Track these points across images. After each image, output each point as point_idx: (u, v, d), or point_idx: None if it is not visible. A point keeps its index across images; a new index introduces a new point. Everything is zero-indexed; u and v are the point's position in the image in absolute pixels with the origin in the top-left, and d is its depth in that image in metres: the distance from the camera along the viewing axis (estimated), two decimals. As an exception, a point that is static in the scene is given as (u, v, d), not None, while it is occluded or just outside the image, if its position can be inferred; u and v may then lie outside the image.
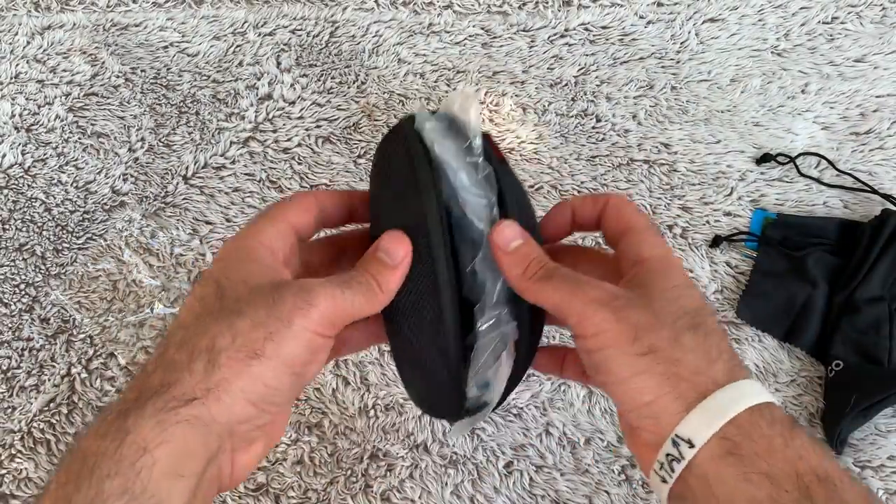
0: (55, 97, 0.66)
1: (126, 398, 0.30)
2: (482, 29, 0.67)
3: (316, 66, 0.66)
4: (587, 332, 0.29)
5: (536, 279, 0.31)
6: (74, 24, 0.68)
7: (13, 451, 0.55)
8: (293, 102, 0.64)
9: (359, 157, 0.63)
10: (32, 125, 0.65)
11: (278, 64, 0.66)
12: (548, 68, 0.65)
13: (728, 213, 0.59)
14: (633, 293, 0.30)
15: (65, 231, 0.62)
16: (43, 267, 0.61)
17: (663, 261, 0.32)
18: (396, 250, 0.33)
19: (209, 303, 0.31)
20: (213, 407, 0.29)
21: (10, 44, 0.68)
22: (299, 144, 0.63)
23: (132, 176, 0.63)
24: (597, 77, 0.64)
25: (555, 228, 0.37)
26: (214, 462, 0.30)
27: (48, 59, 0.68)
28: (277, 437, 0.35)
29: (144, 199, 0.62)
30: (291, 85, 0.65)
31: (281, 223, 0.35)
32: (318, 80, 0.65)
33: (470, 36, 0.66)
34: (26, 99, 0.66)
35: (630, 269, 0.32)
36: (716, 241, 0.58)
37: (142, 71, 0.66)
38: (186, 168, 0.63)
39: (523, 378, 0.36)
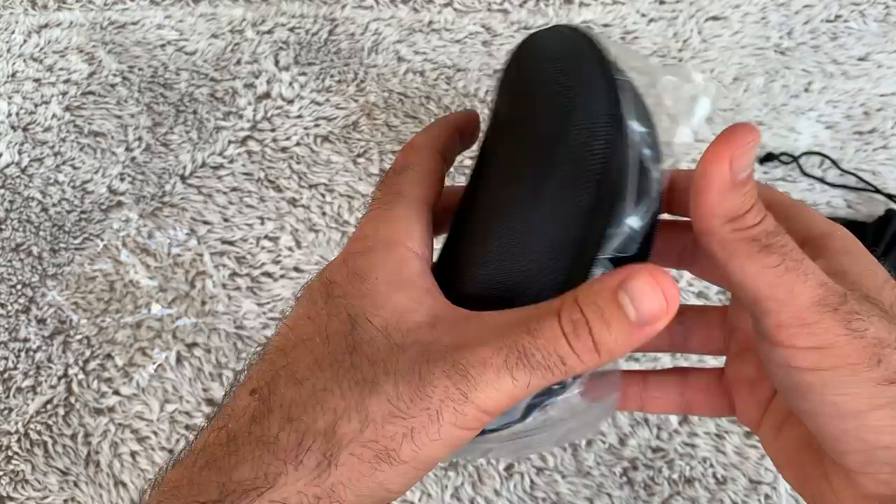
0: (52, 96, 0.66)
1: (201, 482, 0.21)
2: (483, 27, 0.66)
3: (315, 64, 0.65)
4: (799, 342, 0.21)
5: (748, 242, 0.21)
6: (71, 23, 0.68)
7: (10, 453, 0.55)
8: (291, 101, 0.64)
9: (358, 156, 0.62)
10: (29, 124, 0.65)
11: (276, 62, 0.65)
12: (549, 67, 0.64)
13: (730, 213, 0.59)
14: (863, 296, 0.21)
15: (62, 231, 0.61)
16: (40, 267, 0.60)
17: (847, 238, 0.23)
18: (651, 300, 0.20)
19: (337, 349, 0.22)
20: None
21: (7, 42, 0.68)
22: (298, 143, 0.63)
23: (129, 175, 0.63)
24: (598, 75, 0.64)
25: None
26: None
27: (45, 57, 0.67)
28: None
29: (142, 199, 0.62)
30: (290, 83, 0.64)
31: (424, 209, 0.25)
32: (317, 79, 0.65)
33: (470, 34, 0.66)
34: (23, 98, 0.66)
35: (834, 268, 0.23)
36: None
37: (139, 69, 0.66)
38: (184, 167, 0.62)
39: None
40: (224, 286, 0.58)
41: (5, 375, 0.57)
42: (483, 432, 0.24)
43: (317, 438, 0.21)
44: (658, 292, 0.20)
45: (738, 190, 0.21)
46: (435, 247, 0.26)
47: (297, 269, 0.59)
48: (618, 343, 0.20)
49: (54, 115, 0.65)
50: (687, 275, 0.54)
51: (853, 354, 0.20)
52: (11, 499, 0.54)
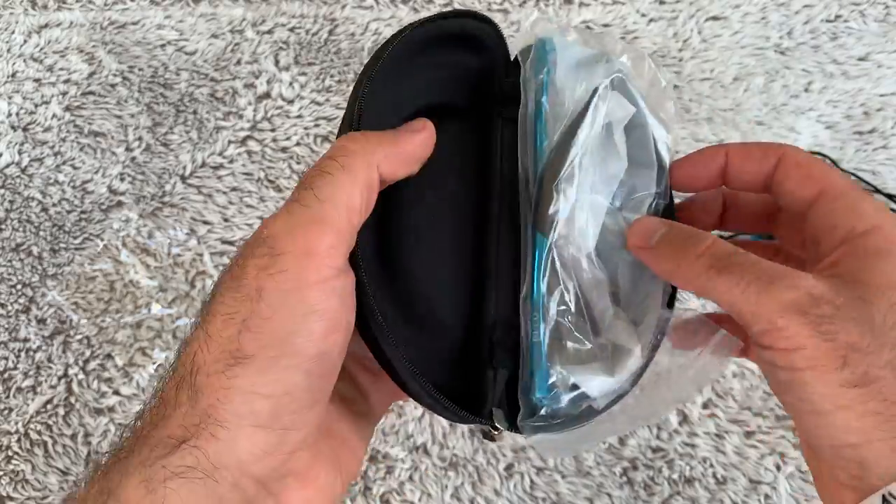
0: (52, 96, 0.66)
1: (118, 449, 0.22)
2: (482, 27, 0.66)
3: (315, 64, 0.65)
4: (776, 344, 0.22)
5: (704, 268, 0.24)
6: (71, 23, 0.68)
7: (10, 453, 0.55)
8: (292, 101, 0.64)
9: (358, 156, 0.62)
10: (29, 124, 0.65)
11: (277, 62, 0.65)
12: (549, 67, 0.64)
13: (730, 213, 0.59)
14: (842, 293, 0.22)
15: (62, 231, 0.61)
16: (40, 267, 0.60)
17: (889, 238, 0.23)
18: (416, 124, 0.26)
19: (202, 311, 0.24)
20: (209, 448, 0.21)
21: (7, 42, 0.68)
22: (298, 143, 0.63)
23: (129, 175, 0.63)
24: (598, 75, 0.64)
25: (692, 177, 0.29)
26: None
27: (45, 57, 0.67)
28: (351, 460, 0.26)
29: (142, 199, 0.62)
30: (290, 83, 0.65)
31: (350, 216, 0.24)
32: (317, 79, 0.65)
33: (470, 34, 0.66)
34: (23, 98, 0.66)
35: (833, 250, 0.24)
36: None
37: (139, 69, 0.66)
38: (184, 167, 0.62)
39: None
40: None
41: (5, 375, 0.57)
42: (591, 413, 0.26)
43: (185, 378, 0.22)
44: (420, 121, 0.27)
45: (660, 250, 0.25)
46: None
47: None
48: (389, 135, 0.25)
49: (54, 115, 0.65)
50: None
51: (821, 357, 0.21)
52: (11, 499, 0.54)
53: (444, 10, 0.68)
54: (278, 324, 0.21)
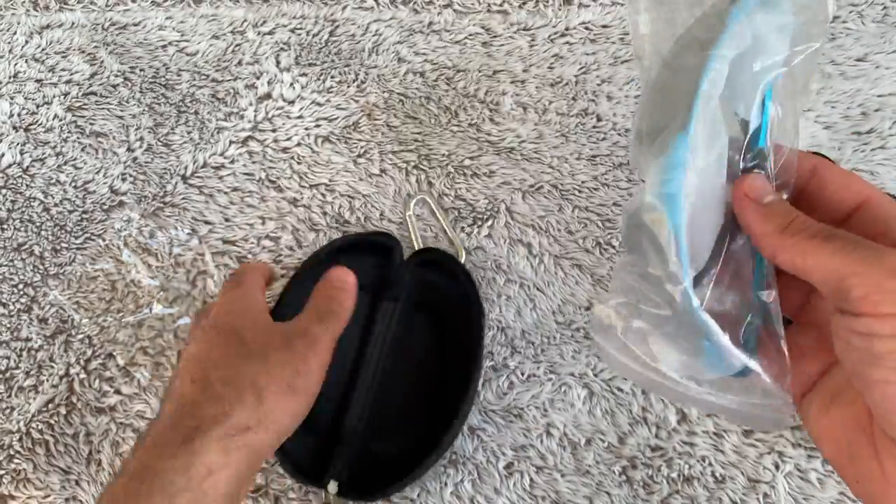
0: (54, 96, 0.66)
1: (184, 424, 0.36)
2: (482, 28, 0.66)
3: (315, 65, 0.65)
4: (880, 308, 0.22)
5: (808, 236, 0.24)
6: (73, 24, 0.68)
7: (11, 452, 0.55)
8: (292, 102, 0.64)
9: (359, 156, 0.62)
10: (31, 125, 0.65)
11: (277, 63, 0.66)
12: (548, 67, 0.65)
13: (729, 213, 0.59)
14: None
15: (63, 231, 0.61)
16: (41, 267, 0.60)
17: (883, 201, 0.26)
18: (345, 277, 0.46)
19: (232, 348, 0.40)
20: (262, 434, 0.37)
21: (9, 43, 0.68)
22: (299, 144, 0.63)
23: (131, 175, 0.63)
24: (597, 76, 0.64)
25: None
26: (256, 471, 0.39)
27: (47, 58, 0.67)
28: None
29: (143, 199, 0.62)
30: (291, 84, 0.65)
31: (259, 281, 0.48)
32: (318, 80, 0.65)
33: (470, 35, 0.66)
34: (25, 98, 0.66)
35: None
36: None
37: (140, 70, 0.66)
38: (185, 168, 0.63)
39: None
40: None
41: (7, 375, 0.57)
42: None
43: (247, 388, 0.38)
44: (347, 273, 0.49)
45: (773, 209, 0.26)
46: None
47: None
48: (347, 298, 0.49)
49: (56, 116, 0.65)
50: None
51: None
52: (13, 498, 0.54)
53: (445, 11, 0.68)
54: (315, 377, 0.43)
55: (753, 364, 0.26)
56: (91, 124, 0.65)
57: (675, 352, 0.27)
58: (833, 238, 0.24)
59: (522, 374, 0.55)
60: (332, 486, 0.49)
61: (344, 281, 0.46)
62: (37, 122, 0.65)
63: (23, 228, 0.62)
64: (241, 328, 0.41)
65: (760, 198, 0.26)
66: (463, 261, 0.57)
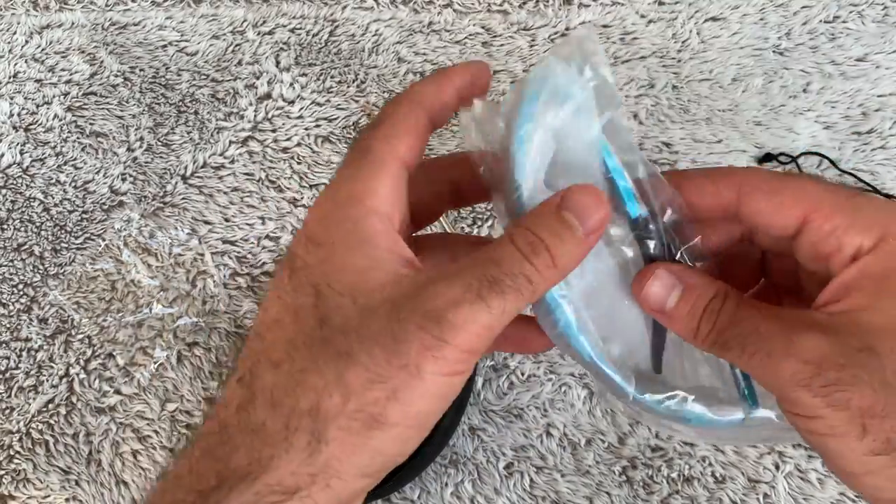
0: (54, 96, 0.66)
1: (200, 471, 0.22)
2: (482, 27, 0.66)
3: (315, 65, 0.65)
4: (795, 411, 0.21)
5: (710, 346, 0.23)
6: (73, 24, 0.68)
7: (11, 452, 0.55)
8: (292, 102, 0.64)
9: (358, 156, 0.62)
10: (31, 125, 0.65)
11: (277, 63, 0.66)
12: (548, 67, 0.64)
13: (729, 213, 0.59)
14: (847, 347, 0.21)
15: (63, 231, 0.61)
16: (41, 267, 0.60)
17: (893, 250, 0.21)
18: (590, 212, 0.22)
19: (306, 325, 0.22)
20: (319, 497, 0.21)
21: (9, 43, 0.68)
22: (299, 144, 0.63)
23: (131, 175, 0.63)
24: (597, 76, 0.64)
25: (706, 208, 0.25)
26: None
27: (47, 58, 0.67)
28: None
29: (143, 199, 0.62)
30: (291, 84, 0.65)
31: (393, 165, 0.24)
32: (318, 80, 0.65)
33: (470, 34, 0.66)
34: (25, 98, 0.66)
35: (842, 290, 0.22)
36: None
37: (140, 70, 0.66)
38: (185, 168, 0.63)
39: None
40: (225, 286, 0.59)
41: (7, 375, 0.57)
42: (702, 421, 0.25)
43: (302, 419, 0.21)
44: (595, 201, 0.22)
45: (677, 320, 0.24)
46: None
47: (297, 269, 0.59)
48: (572, 254, 0.22)
49: (56, 116, 0.65)
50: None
51: (840, 425, 0.20)
52: (13, 498, 0.54)
53: (445, 11, 0.68)
54: (427, 403, 0.22)
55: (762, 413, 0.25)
56: (91, 124, 0.65)
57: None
58: (728, 345, 0.22)
59: (522, 374, 0.55)
60: None
61: (585, 216, 0.22)
62: (37, 122, 0.65)
63: (23, 228, 0.62)
64: (327, 286, 0.22)
65: (662, 307, 0.24)
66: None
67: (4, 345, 0.58)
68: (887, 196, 0.58)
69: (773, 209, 0.23)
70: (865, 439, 0.20)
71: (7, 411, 0.56)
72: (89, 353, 0.57)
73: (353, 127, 0.63)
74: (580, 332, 0.24)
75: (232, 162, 0.63)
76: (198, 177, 0.62)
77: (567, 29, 0.66)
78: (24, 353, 0.58)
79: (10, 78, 0.67)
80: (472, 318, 0.21)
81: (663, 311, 0.24)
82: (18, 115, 0.65)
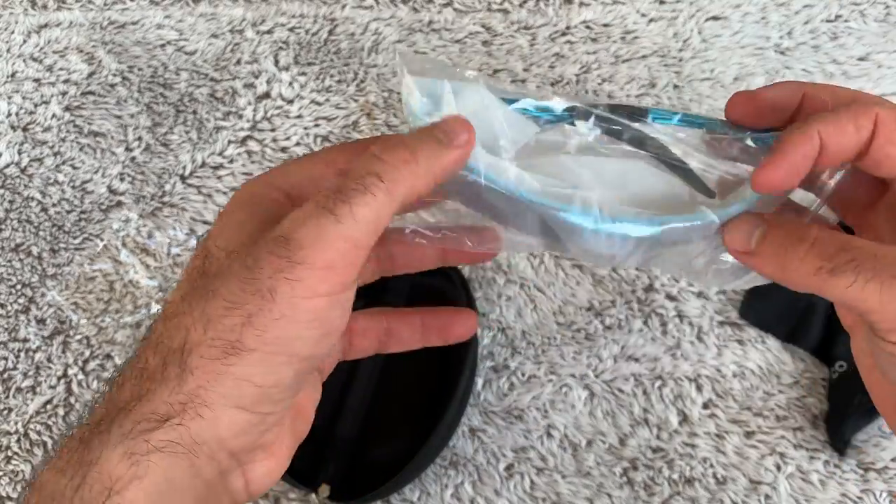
0: (52, 96, 0.65)
1: (92, 417, 0.23)
2: (482, 27, 0.66)
3: (314, 64, 0.65)
4: None
5: (814, 272, 0.23)
6: (71, 23, 0.68)
7: (9, 453, 0.55)
8: (291, 101, 0.64)
9: (358, 156, 0.62)
10: (29, 124, 0.65)
11: (276, 62, 0.65)
12: (549, 66, 0.64)
13: (731, 213, 0.59)
14: None
15: (61, 231, 0.61)
16: (39, 267, 0.60)
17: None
18: (457, 131, 0.23)
19: (193, 281, 0.24)
20: (192, 425, 0.22)
21: (7, 42, 0.68)
22: (298, 143, 0.63)
23: (129, 175, 0.63)
24: (598, 75, 0.64)
25: (754, 114, 0.26)
26: (214, 490, 0.23)
27: (45, 57, 0.67)
28: (304, 424, 0.27)
29: (141, 199, 0.62)
30: (290, 83, 0.64)
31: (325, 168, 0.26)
32: (317, 79, 0.65)
33: (470, 34, 0.66)
34: (22, 98, 0.66)
35: None
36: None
37: (139, 69, 0.66)
38: (184, 167, 0.62)
39: None
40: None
41: (5, 376, 0.57)
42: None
43: (174, 354, 0.23)
44: (462, 125, 0.23)
45: (763, 256, 0.23)
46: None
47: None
48: (436, 155, 0.23)
49: (54, 115, 0.65)
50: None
51: None
52: (11, 499, 0.54)
53: (445, 10, 0.68)
54: (284, 327, 0.22)
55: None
56: (89, 124, 0.65)
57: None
58: (839, 270, 0.22)
59: (523, 375, 0.55)
60: (324, 490, 0.49)
61: (457, 131, 0.24)
62: (35, 121, 0.65)
63: (20, 229, 0.61)
64: (213, 244, 0.25)
65: (747, 245, 0.24)
66: (463, 261, 0.57)
67: (2, 345, 0.58)
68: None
69: (843, 116, 0.23)
70: None
71: (5, 412, 0.56)
72: (87, 353, 0.57)
73: (352, 126, 0.63)
74: (498, 175, 0.24)
75: (231, 162, 0.63)
76: (196, 177, 0.62)
77: (568, 28, 0.66)
78: (22, 354, 0.58)
79: (7, 77, 0.66)
80: (321, 234, 0.21)
81: (748, 251, 0.24)
82: (16, 114, 0.65)
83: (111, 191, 0.62)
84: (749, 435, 0.52)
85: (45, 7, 0.69)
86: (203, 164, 0.63)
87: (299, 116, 0.64)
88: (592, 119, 0.27)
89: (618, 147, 0.27)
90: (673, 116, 0.28)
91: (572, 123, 0.27)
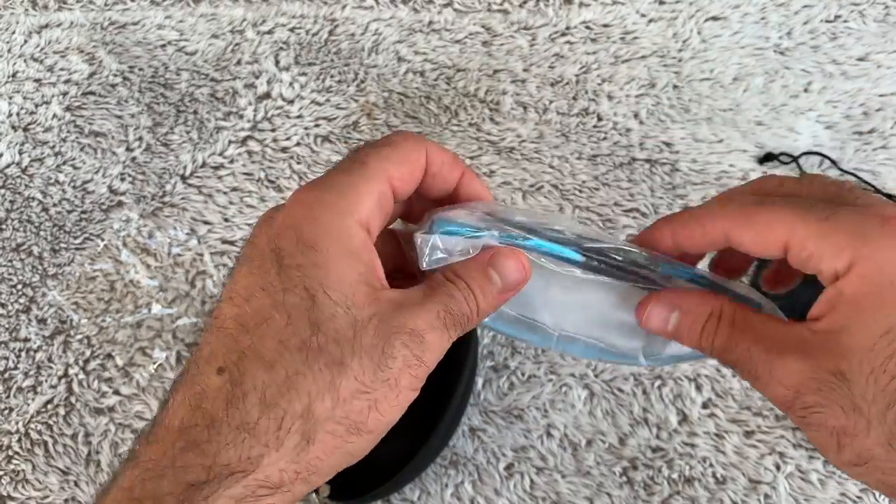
0: (52, 96, 0.66)
1: (186, 464, 0.22)
2: (483, 27, 0.66)
3: (315, 64, 0.65)
4: (792, 423, 0.26)
5: (716, 353, 0.26)
6: (72, 23, 0.68)
7: (10, 453, 0.55)
8: (292, 101, 0.64)
9: (358, 156, 0.62)
10: (30, 124, 0.65)
11: (277, 62, 0.65)
12: (549, 67, 0.64)
13: (730, 213, 0.59)
14: (822, 370, 0.23)
15: (62, 231, 0.61)
16: (40, 267, 0.60)
17: (869, 273, 0.22)
18: (510, 271, 0.26)
19: (300, 329, 0.23)
20: (298, 489, 0.23)
21: (8, 42, 0.68)
22: (298, 143, 0.63)
23: (130, 175, 0.63)
24: (598, 75, 0.64)
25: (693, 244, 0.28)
26: None
27: (45, 57, 0.67)
28: None
29: (142, 199, 0.62)
30: (290, 84, 0.65)
31: (383, 184, 0.25)
32: (317, 79, 0.65)
33: (470, 34, 0.66)
34: (23, 98, 0.66)
35: (826, 307, 0.24)
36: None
37: (139, 69, 0.66)
38: (184, 167, 0.62)
39: None
40: (224, 286, 0.58)
41: (6, 375, 0.57)
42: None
43: (295, 421, 0.23)
44: (516, 265, 0.26)
45: (682, 335, 0.27)
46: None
47: (297, 269, 0.59)
48: (490, 303, 0.26)
49: (55, 116, 0.65)
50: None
51: (822, 442, 0.23)
52: (12, 498, 0.54)
53: (445, 10, 0.68)
54: (396, 414, 0.24)
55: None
56: (90, 124, 0.65)
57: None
58: (726, 350, 0.25)
59: (523, 375, 0.55)
60: (324, 489, 0.49)
61: (520, 274, 0.26)
62: (35, 121, 0.65)
63: (21, 229, 0.62)
64: (321, 291, 0.23)
65: (664, 329, 0.27)
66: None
67: (3, 345, 0.58)
68: (888, 196, 0.58)
69: (755, 242, 0.25)
70: (843, 454, 0.23)
71: (6, 412, 0.56)
72: (88, 353, 0.57)
73: (352, 126, 0.63)
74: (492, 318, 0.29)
75: (231, 162, 0.63)
76: (197, 177, 0.62)
77: (567, 28, 0.66)
78: (23, 354, 0.58)
79: (8, 77, 0.66)
80: (439, 343, 0.25)
81: (666, 332, 0.27)
82: (17, 114, 0.65)
83: (112, 191, 0.62)
84: (748, 434, 0.52)
85: (45, 7, 0.69)
86: (204, 164, 0.63)
87: (300, 116, 0.64)
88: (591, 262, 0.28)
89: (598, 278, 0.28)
90: (684, 272, 0.28)
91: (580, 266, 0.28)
